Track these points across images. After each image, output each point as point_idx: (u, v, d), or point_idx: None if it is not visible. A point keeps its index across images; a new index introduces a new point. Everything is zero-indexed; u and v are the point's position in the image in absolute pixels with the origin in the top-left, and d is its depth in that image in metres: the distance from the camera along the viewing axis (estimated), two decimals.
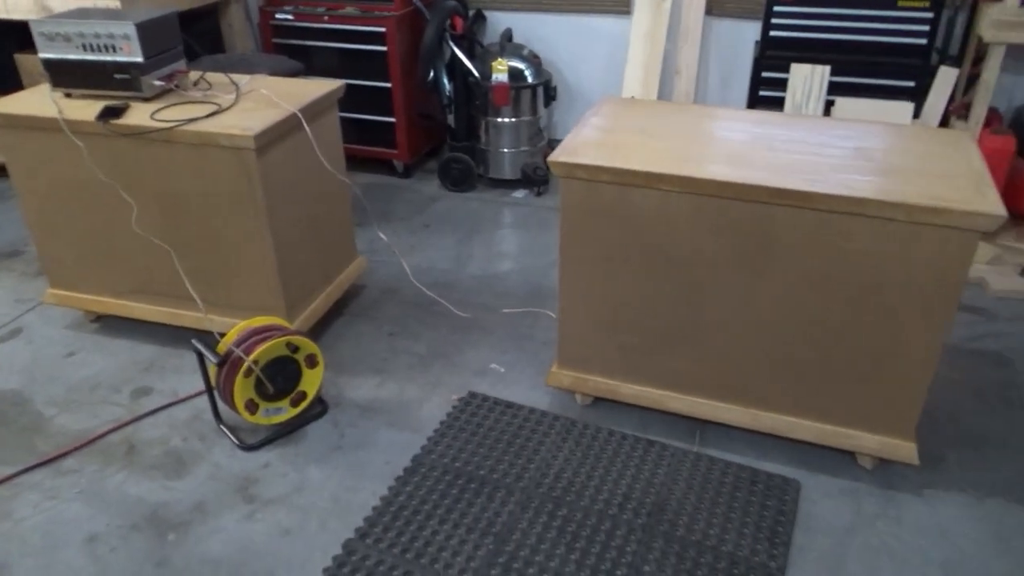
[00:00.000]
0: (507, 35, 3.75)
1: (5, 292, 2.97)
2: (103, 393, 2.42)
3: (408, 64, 3.73)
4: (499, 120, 3.69)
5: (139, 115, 2.28)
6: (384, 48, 3.62)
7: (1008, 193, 3.09)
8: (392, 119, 3.79)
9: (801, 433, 2.09)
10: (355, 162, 3.93)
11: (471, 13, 3.91)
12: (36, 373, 2.51)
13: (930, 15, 2.98)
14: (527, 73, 3.65)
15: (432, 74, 3.63)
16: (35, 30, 2.35)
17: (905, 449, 2.01)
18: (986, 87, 2.88)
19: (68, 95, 2.44)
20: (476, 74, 3.61)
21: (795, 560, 1.84)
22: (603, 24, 3.86)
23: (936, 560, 1.84)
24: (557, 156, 1.98)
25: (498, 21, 4.01)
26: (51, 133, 2.33)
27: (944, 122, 3.11)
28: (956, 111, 3.17)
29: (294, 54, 3.69)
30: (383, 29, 3.58)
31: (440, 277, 3.05)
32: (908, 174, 1.85)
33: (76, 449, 2.19)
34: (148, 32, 2.32)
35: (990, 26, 2.78)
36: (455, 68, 3.66)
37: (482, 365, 2.53)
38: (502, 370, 2.51)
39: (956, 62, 3.14)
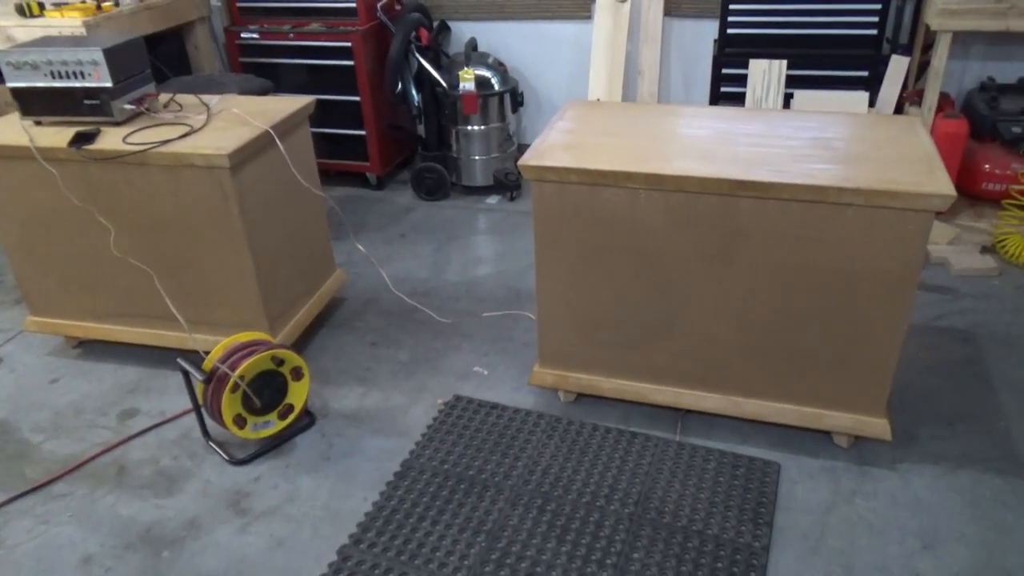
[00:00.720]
0: (472, 44, 3.81)
1: None
2: (89, 417, 2.42)
3: (376, 77, 3.77)
4: (468, 128, 3.74)
5: (111, 139, 2.30)
6: (351, 63, 3.66)
7: (963, 174, 3.21)
8: (363, 132, 3.83)
9: (779, 416, 2.16)
10: (328, 176, 3.96)
11: (436, 24, 3.96)
12: (20, 401, 2.51)
13: (879, 6, 3.08)
14: (493, 81, 3.71)
15: (400, 86, 3.67)
16: (2, 60, 2.36)
17: (878, 426, 2.08)
18: (936, 74, 2.98)
19: (38, 123, 2.45)
20: (443, 84, 3.67)
21: (778, 539, 1.90)
22: (565, 29, 3.93)
23: (913, 530, 1.91)
24: (527, 160, 2.03)
25: (462, 31, 4.06)
26: (24, 161, 2.34)
27: (899, 109, 3.22)
28: (909, 98, 3.28)
29: (262, 72, 3.72)
30: (349, 44, 3.62)
31: (419, 285, 3.09)
32: (865, 161, 1.92)
33: (66, 474, 2.20)
34: (116, 57, 2.34)
35: (936, 15, 2.89)
36: (423, 79, 3.70)
37: (465, 369, 2.58)
38: (485, 372, 2.55)
39: (907, 51, 3.25)
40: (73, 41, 2.44)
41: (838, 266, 1.90)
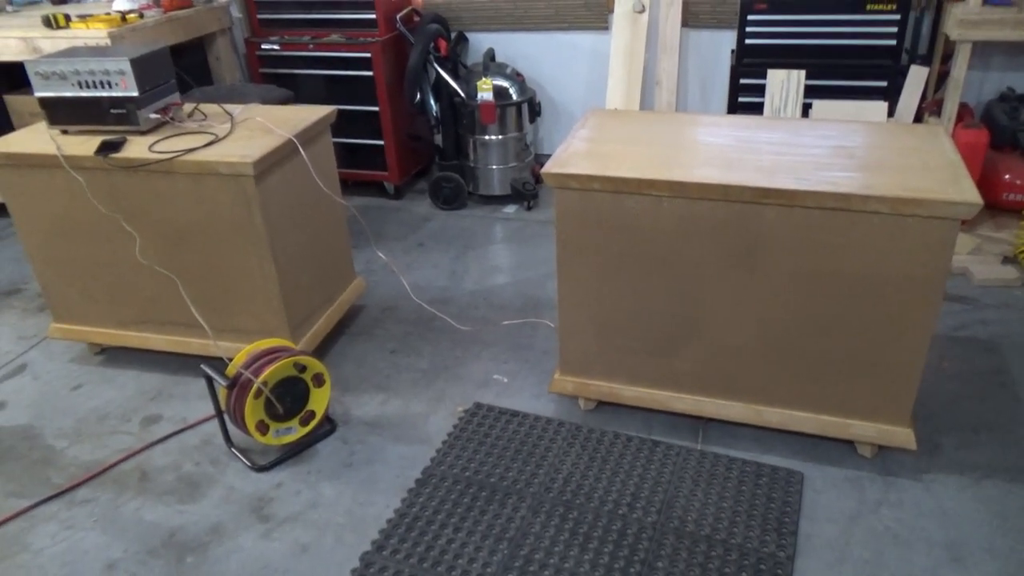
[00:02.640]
0: (490, 55, 3.84)
1: (8, 330, 2.99)
2: (112, 423, 2.44)
3: (395, 87, 3.80)
4: (486, 138, 3.76)
5: (137, 148, 2.33)
6: (370, 73, 3.69)
7: (983, 184, 3.18)
8: (381, 142, 3.86)
9: (802, 426, 2.15)
10: (346, 185, 3.97)
11: (454, 35, 3.99)
12: (44, 407, 2.53)
13: (897, 17, 3.09)
14: (511, 91, 3.73)
15: (419, 96, 3.70)
16: (31, 70, 2.39)
17: (902, 436, 2.07)
18: (956, 84, 2.98)
19: (65, 132, 2.48)
20: (462, 94, 3.69)
21: (803, 549, 1.89)
22: (583, 40, 3.95)
23: (940, 541, 1.89)
24: (550, 168, 2.04)
25: (480, 42, 4.09)
26: (51, 170, 2.37)
27: (918, 119, 3.21)
28: (929, 108, 3.27)
29: (282, 83, 3.76)
30: (368, 55, 3.66)
31: (438, 294, 3.10)
32: (888, 169, 1.92)
33: (89, 479, 2.21)
34: (143, 67, 2.37)
35: (956, 25, 2.89)
36: (441, 89, 3.73)
37: (485, 377, 2.58)
38: (505, 380, 2.56)
39: (926, 61, 3.25)
40: (98, 52, 2.47)
41: (862, 274, 1.90)
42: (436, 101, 3.78)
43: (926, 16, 3.41)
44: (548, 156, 2.14)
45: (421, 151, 4.16)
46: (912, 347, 1.95)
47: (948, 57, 3.15)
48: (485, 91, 3.62)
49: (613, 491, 2.07)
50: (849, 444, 2.18)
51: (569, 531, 1.95)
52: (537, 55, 4.06)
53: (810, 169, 1.94)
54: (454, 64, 3.82)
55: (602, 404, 2.39)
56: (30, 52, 3.24)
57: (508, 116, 3.73)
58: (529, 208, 3.85)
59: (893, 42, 3.12)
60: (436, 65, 3.68)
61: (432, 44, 3.66)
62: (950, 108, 3.02)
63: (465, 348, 2.74)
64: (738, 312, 2.06)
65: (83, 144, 2.37)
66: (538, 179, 3.94)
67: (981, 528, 1.92)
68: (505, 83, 3.72)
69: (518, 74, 3.85)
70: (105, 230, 2.44)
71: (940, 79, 3.35)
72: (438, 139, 3.92)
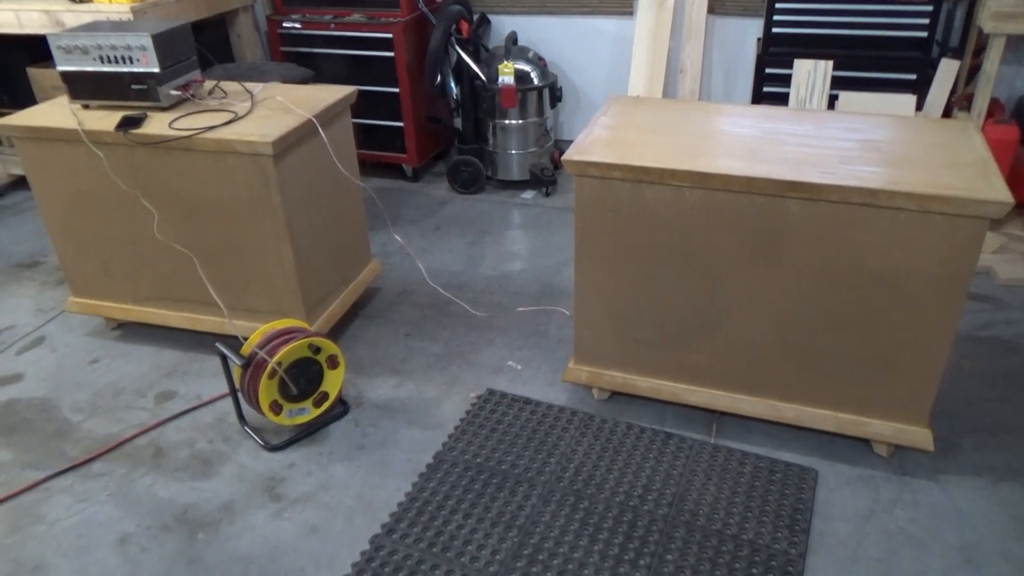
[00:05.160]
0: (512, 38, 3.80)
1: (27, 302, 3.01)
2: (128, 398, 2.46)
3: (415, 69, 3.77)
4: (506, 122, 3.73)
5: (157, 124, 2.33)
6: (391, 54, 3.67)
7: (1012, 182, 3.10)
8: (400, 123, 3.84)
9: (818, 423, 2.13)
10: (364, 167, 3.96)
11: (476, 17, 3.95)
12: (61, 380, 2.55)
13: (930, 8, 3.02)
14: (533, 75, 3.69)
15: (439, 78, 3.67)
16: (53, 44, 2.39)
17: (920, 436, 2.04)
18: (987, 78, 2.91)
19: (86, 106, 2.48)
20: (483, 77, 3.66)
21: (815, 547, 1.87)
22: (606, 25, 3.90)
23: (954, 543, 1.87)
24: (570, 155, 2.02)
25: (503, 24, 4.05)
26: (71, 144, 2.38)
27: (947, 113, 3.15)
28: (958, 103, 3.21)
29: (302, 61, 3.74)
30: (390, 35, 3.63)
31: (453, 278, 3.09)
32: (916, 164, 1.88)
33: (104, 453, 2.23)
34: (164, 43, 2.36)
35: (990, 17, 2.82)
36: (462, 72, 3.70)
37: (498, 363, 2.57)
38: (519, 367, 2.55)
39: (957, 54, 3.18)
40: (120, 26, 2.47)
41: (886, 271, 1.86)
42: (456, 84, 3.75)
43: (959, 8, 3.33)
44: (568, 142, 2.12)
45: (440, 134, 4.14)
46: (933, 347, 1.91)
47: (980, 51, 3.08)
48: (506, 75, 3.59)
49: (625, 482, 2.06)
50: (864, 442, 2.15)
51: (579, 521, 1.94)
52: (559, 39, 4.01)
53: (836, 163, 1.91)
54: (475, 47, 3.78)
55: (615, 394, 2.37)
56: (53, 25, 3.24)
57: (529, 101, 3.70)
58: (547, 194, 3.82)
59: (924, 34, 3.06)
60: (457, 47, 3.65)
61: (454, 26, 3.62)
62: (980, 103, 2.96)
63: (479, 334, 2.73)
64: (757, 306, 2.03)
65: (104, 119, 2.37)
66: (557, 165, 3.91)
67: (997, 531, 1.90)
68: (527, 67, 3.69)
69: (540, 58, 3.81)
70: (124, 206, 2.44)
71: (971, 73, 3.28)
72: (457, 122, 3.89)
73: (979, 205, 1.71)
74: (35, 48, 3.63)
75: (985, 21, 2.86)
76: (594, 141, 2.10)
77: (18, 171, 3.93)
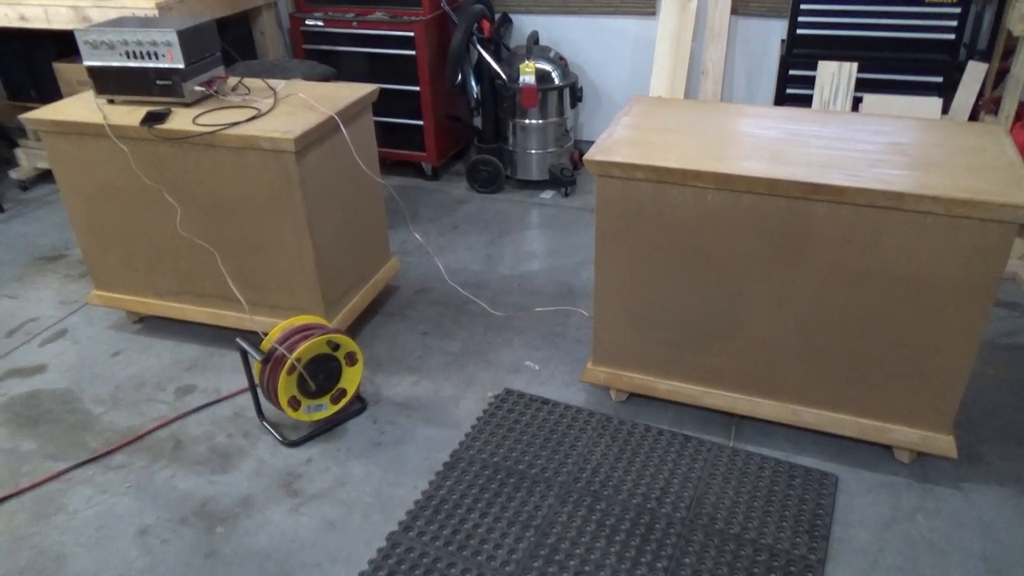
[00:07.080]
0: (534, 37, 3.79)
1: (50, 294, 3.05)
2: (148, 391, 2.48)
3: (436, 67, 3.77)
4: (526, 122, 3.73)
5: (181, 120, 2.34)
6: (413, 52, 3.67)
7: None
8: (420, 122, 3.84)
9: (839, 428, 2.10)
10: (384, 165, 3.97)
11: (498, 16, 3.95)
12: (83, 372, 2.58)
13: (958, 10, 2.98)
14: (554, 75, 3.68)
15: (460, 77, 3.67)
16: (80, 39, 2.41)
17: (943, 443, 2.01)
18: (1016, 81, 2.87)
19: (111, 101, 2.50)
20: (504, 76, 3.65)
21: (835, 553, 1.85)
22: (628, 25, 3.89)
23: (977, 553, 1.84)
24: (593, 155, 2.01)
25: (524, 24, 4.05)
26: (96, 138, 2.40)
27: (973, 117, 3.11)
28: (985, 106, 3.16)
29: (324, 59, 3.75)
30: (412, 33, 3.63)
31: (471, 277, 3.09)
32: (944, 168, 1.86)
33: (125, 445, 2.25)
34: (189, 39, 2.38)
35: (1019, 20, 2.77)
36: (483, 71, 3.70)
37: (516, 363, 2.57)
38: (536, 367, 2.54)
39: (985, 57, 3.13)
40: (146, 22, 2.49)
41: (911, 276, 1.84)
42: (477, 83, 3.75)
43: (988, 10, 3.29)
44: (587, 142, 2.11)
45: (460, 133, 4.14)
46: (958, 354, 1.89)
47: (1009, 53, 3.04)
48: (527, 74, 3.58)
49: (642, 484, 2.05)
50: (885, 448, 2.13)
51: (596, 522, 1.94)
52: (581, 39, 4.00)
53: (862, 166, 1.88)
54: (497, 46, 3.78)
55: (633, 396, 2.36)
56: (80, 21, 3.27)
57: (549, 100, 3.69)
58: (566, 194, 3.81)
59: (952, 36, 3.02)
60: (479, 46, 3.65)
61: (476, 25, 3.62)
62: (1008, 106, 2.91)
63: (497, 333, 2.73)
64: (779, 309, 2.01)
65: (129, 114, 2.39)
66: (576, 165, 3.89)
67: (1021, 542, 1.87)
68: (548, 67, 3.68)
69: (562, 58, 3.80)
70: (147, 200, 2.46)
71: (999, 76, 3.23)
72: (477, 121, 3.89)
73: (1009, 210, 1.68)
74: (61, 43, 3.66)
75: (1014, 23, 2.82)
76: (617, 141, 2.09)
77: (44, 164, 3.98)
